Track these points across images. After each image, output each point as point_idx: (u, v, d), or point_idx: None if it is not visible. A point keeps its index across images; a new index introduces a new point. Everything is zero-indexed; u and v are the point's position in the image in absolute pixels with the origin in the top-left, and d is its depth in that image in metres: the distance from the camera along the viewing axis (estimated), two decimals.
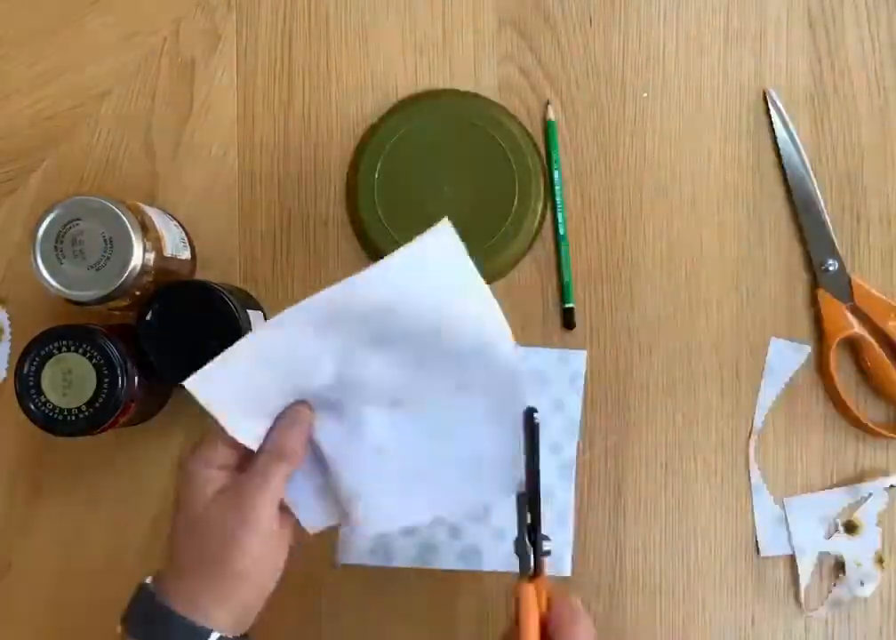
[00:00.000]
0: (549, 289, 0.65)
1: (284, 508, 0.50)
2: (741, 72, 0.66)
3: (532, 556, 0.48)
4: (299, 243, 0.65)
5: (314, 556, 0.62)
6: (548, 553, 0.49)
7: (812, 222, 0.64)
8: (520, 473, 0.49)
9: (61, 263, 0.55)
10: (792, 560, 0.63)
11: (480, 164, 0.64)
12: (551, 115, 0.65)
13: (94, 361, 0.55)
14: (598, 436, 0.64)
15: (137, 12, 0.66)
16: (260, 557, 0.48)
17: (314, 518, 0.52)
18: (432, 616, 0.63)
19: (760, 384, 0.64)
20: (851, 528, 0.64)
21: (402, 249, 0.48)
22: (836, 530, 0.64)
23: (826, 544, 0.63)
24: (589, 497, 0.64)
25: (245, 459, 0.50)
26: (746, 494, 0.64)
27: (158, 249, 0.58)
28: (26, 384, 0.55)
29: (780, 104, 0.65)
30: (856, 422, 0.63)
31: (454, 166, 0.64)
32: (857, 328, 0.63)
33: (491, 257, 0.63)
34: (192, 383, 0.49)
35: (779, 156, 0.65)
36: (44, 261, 0.55)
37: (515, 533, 0.49)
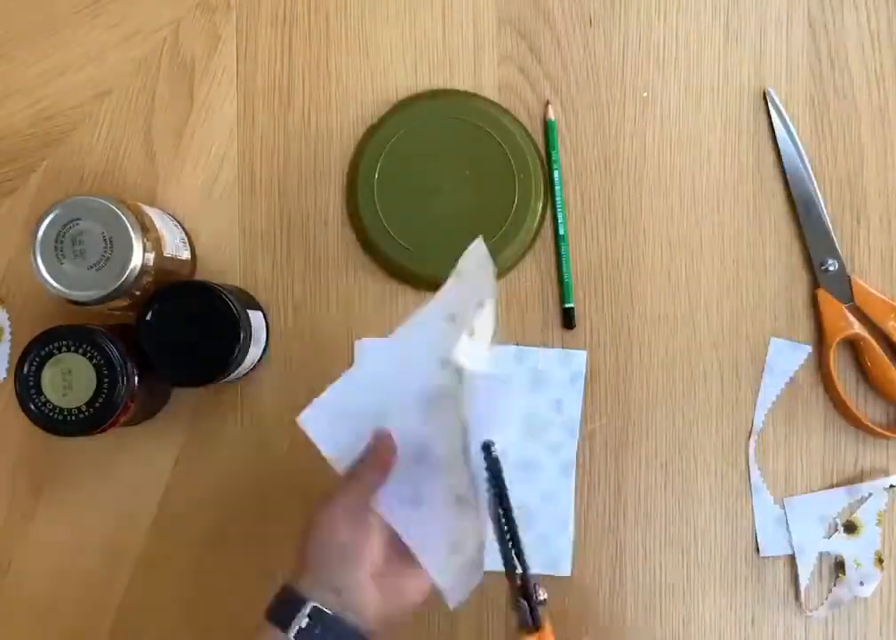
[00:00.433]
0: (549, 289, 0.65)
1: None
2: (741, 72, 0.66)
3: (528, 609, 0.47)
4: (299, 243, 0.65)
5: None
6: (543, 603, 0.47)
7: (812, 222, 0.64)
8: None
9: (61, 263, 0.55)
10: (792, 560, 0.63)
11: (480, 164, 0.64)
12: (551, 115, 0.65)
13: (94, 361, 0.55)
14: (598, 434, 0.64)
15: (137, 12, 0.66)
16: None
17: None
18: (432, 616, 0.63)
19: (760, 384, 0.64)
20: (851, 528, 0.64)
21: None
22: (836, 530, 0.64)
23: (826, 544, 0.63)
24: (589, 497, 0.64)
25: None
26: (746, 494, 0.64)
27: (158, 249, 0.58)
28: (26, 384, 0.55)
29: (779, 104, 0.65)
30: (856, 422, 0.63)
31: (454, 166, 0.64)
32: (857, 328, 0.63)
33: (491, 257, 0.63)
34: (305, 421, 0.52)
35: (779, 155, 0.65)
36: (44, 261, 0.55)
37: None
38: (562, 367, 0.64)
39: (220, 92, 0.66)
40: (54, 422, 0.55)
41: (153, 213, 0.60)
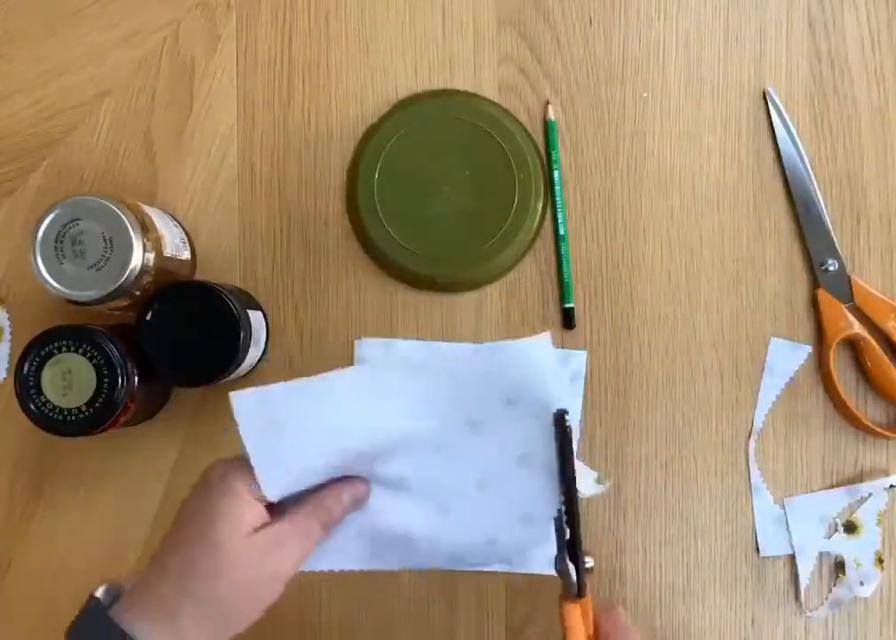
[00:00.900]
0: (549, 289, 0.65)
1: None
2: (741, 72, 0.66)
3: (574, 575, 0.46)
4: (299, 243, 0.65)
5: None
6: (590, 570, 0.46)
7: (812, 222, 0.64)
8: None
9: (61, 263, 0.55)
10: (792, 560, 0.63)
11: (480, 163, 0.64)
12: (551, 115, 0.65)
13: (94, 361, 0.55)
14: (598, 440, 0.64)
15: (137, 12, 0.66)
16: (270, 603, 0.47)
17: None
18: (432, 616, 0.63)
19: (760, 384, 0.64)
20: (851, 528, 0.64)
21: (502, 341, 0.50)
22: (836, 530, 0.64)
23: (826, 544, 0.63)
24: (590, 497, 0.64)
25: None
26: (746, 494, 0.64)
27: (158, 249, 0.58)
28: (26, 384, 0.55)
29: (779, 104, 0.65)
30: (856, 422, 0.63)
31: (454, 166, 0.64)
32: (857, 328, 0.63)
33: (491, 257, 0.63)
34: (237, 398, 0.48)
35: (779, 155, 0.65)
36: (43, 261, 0.55)
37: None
38: (562, 367, 0.64)
39: (220, 92, 0.66)
40: (54, 422, 0.55)
41: (153, 213, 0.60)
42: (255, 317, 0.61)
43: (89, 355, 0.55)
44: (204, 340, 0.57)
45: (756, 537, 0.64)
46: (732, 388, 0.64)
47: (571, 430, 0.48)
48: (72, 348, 0.55)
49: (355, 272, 0.65)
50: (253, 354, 0.61)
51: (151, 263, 0.57)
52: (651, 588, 0.64)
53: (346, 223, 0.65)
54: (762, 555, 0.64)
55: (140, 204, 0.59)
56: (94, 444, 0.61)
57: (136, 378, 0.56)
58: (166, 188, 0.65)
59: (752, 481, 0.64)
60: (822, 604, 0.63)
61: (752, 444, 0.64)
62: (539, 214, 0.64)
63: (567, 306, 0.64)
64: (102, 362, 0.55)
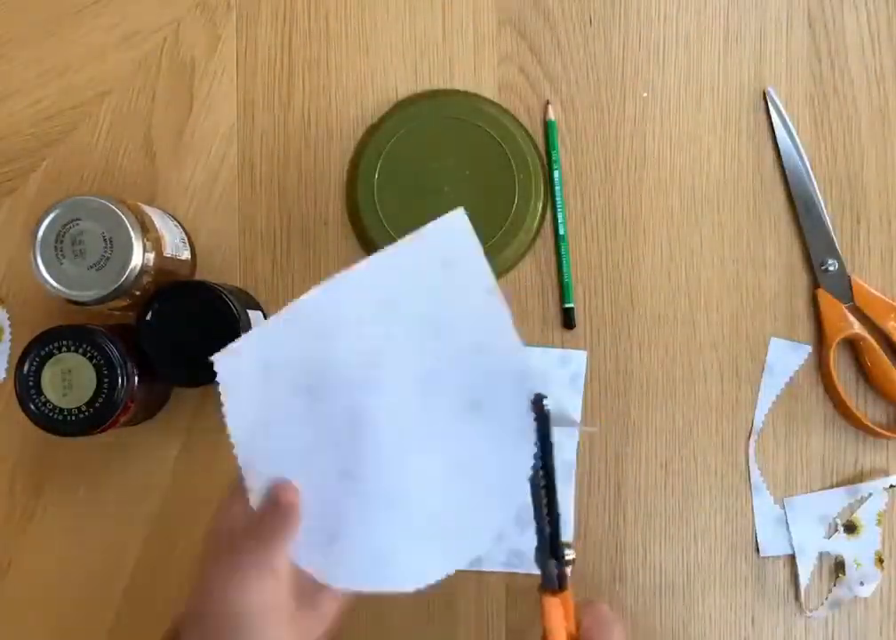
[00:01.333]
0: (549, 289, 0.65)
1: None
2: (741, 72, 0.66)
3: (554, 568, 0.45)
4: (299, 243, 0.65)
5: None
6: (570, 563, 0.45)
7: (812, 222, 0.64)
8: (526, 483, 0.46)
9: (61, 263, 0.55)
10: (792, 560, 0.63)
11: (480, 163, 0.64)
12: (551, 115, 0.65)
13: (94, 361, 0.55)
14: (598, 440, 0.64)
15: (137, 12, 0.66)
16: None
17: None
18: (432, 616, 0.63)
19: (760, 384, 0.64)
20: (851, 528, 0.64)
21: (411, 234, 0.47)
22: (836, 530, 0.64)
23: (826, 544, 0.63)
24: (589, 497, 0.64)
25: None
26: (746, 494, 0.64)
27: (158, 249, 0.58)
28: (26, 384, 0.55)
29: (779, 104, 0.65)
30: (856, 422, 0.63)
31: (454, 166, 0.64)
32: (857, 328, 0.63)
33: (491, 257, 0.63)
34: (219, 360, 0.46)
35: (779, 155, 0.65)
36: (43, 261, 0.55)
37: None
38: (562, 367, 0.64)
39: (220, 92, 0.66)
40: (54, 422, 0.55)
41: (153, 213, 0.60)
42: (255, 317, 0.61)
43: (89, 355, 0.55)
44: (204, 340, 0.57)
45: (756, 537, 0.64)
46: (732, 388, 0.64)
47: (549, 415, 0.45)
48: (72, 348, 0.55)
49: None
50: None
51: (151, 263, 0.57)
52: (651, 588, 0.64)
53: (346, 223, 0.65)
54: (762, 555, 0.64)
55: (139, 204, 0.59)
56: (94, 443, 0.61)
57: (136, 378, 0.56)
58: (166, 187, 0.65)
59: (752, 481, 0.64)
60: (822, 604, 0.63)
61: (752, 443, 0.64)
62: (539, 214, 0.64)
63: (567, 306, 0.64)
64: (102, 362, 0.55)
